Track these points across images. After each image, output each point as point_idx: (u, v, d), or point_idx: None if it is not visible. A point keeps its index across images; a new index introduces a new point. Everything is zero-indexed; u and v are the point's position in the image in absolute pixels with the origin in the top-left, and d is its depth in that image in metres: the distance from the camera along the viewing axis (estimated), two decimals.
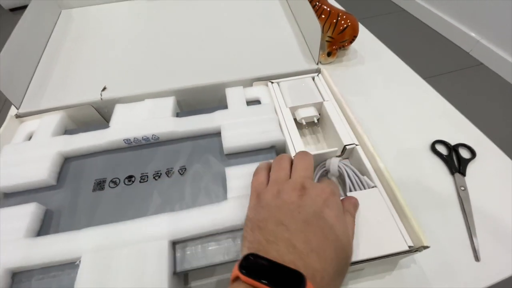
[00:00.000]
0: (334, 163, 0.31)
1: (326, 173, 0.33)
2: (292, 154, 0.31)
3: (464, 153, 0.38)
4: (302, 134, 0.39)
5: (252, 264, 0.17)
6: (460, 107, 0.42)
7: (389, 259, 0.26)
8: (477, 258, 0.29)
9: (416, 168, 0.37)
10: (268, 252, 0.18)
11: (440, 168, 0.37)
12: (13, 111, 0.38)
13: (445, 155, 0.37)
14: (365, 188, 0.29)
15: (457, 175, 0.35)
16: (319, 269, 0.18)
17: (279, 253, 0.18)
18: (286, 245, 0.18)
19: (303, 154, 0.26)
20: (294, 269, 0.17)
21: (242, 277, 0.17)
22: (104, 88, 0.38)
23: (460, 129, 0.40)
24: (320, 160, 0.33)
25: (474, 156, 0.37)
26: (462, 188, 0.34)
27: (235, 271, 0.17)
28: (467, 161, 0.37)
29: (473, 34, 1.39)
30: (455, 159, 0.37)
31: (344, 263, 0.20)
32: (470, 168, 0.36)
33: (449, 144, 0.38)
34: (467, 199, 0.33)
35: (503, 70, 1.28)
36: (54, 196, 0.30)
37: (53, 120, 0.35)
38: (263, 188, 0.24)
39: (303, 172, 0.24)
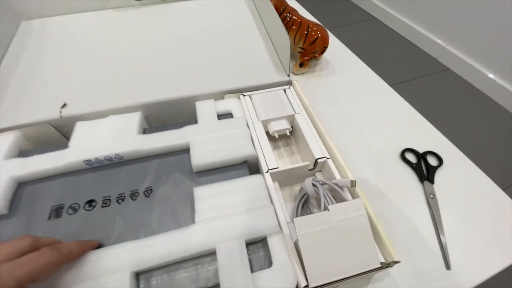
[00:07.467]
0: (308, 185, 0.29)
1: (307, 197, 0.31)
2: (264, 169, 0.30)
3: (432, 161, 0.39)
4: (276, 147, 0.39)
5: None
6: (429, 112, 0.43)
7: (362, 275, 0.25)
8: (448, 267, 0.30)
9: (387, 178, 0.37)
10: None
11: (410, 177, 0.37)
12: None
13: (414, 163, 0.38)
14: (334, 201, 0.28)
15: (426, 182, 0.36)
16: None
17: None
18: None
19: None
20: None
21: None
22: (64, 105, 0.36)
23: (427, 136, 0.42)
24: (294, 175, 0.33)
25: (441, 163, 0.38)
26: (431, 196, 0.35)
27: None
28: (435, 168, 0.38)
29: (439, 41, 1.46)
30: (424, 167, 0.38)
31: None
32: (438, 176, 0.37)
33: (417, 152, 0.39)
34: (436, 207, 0.34)
35: (467, 75, 1.37)
36: (6, 226, 0.27)
37: (6, 141, 0.32)
38: None
39: None
